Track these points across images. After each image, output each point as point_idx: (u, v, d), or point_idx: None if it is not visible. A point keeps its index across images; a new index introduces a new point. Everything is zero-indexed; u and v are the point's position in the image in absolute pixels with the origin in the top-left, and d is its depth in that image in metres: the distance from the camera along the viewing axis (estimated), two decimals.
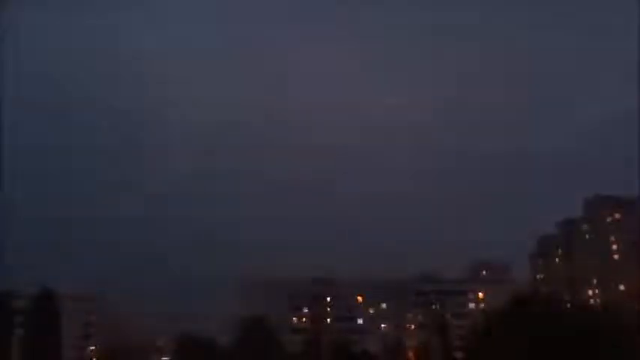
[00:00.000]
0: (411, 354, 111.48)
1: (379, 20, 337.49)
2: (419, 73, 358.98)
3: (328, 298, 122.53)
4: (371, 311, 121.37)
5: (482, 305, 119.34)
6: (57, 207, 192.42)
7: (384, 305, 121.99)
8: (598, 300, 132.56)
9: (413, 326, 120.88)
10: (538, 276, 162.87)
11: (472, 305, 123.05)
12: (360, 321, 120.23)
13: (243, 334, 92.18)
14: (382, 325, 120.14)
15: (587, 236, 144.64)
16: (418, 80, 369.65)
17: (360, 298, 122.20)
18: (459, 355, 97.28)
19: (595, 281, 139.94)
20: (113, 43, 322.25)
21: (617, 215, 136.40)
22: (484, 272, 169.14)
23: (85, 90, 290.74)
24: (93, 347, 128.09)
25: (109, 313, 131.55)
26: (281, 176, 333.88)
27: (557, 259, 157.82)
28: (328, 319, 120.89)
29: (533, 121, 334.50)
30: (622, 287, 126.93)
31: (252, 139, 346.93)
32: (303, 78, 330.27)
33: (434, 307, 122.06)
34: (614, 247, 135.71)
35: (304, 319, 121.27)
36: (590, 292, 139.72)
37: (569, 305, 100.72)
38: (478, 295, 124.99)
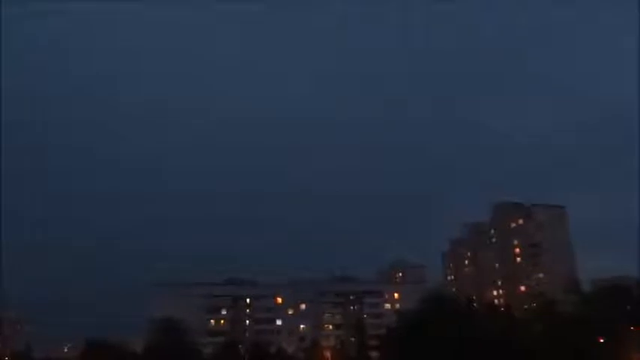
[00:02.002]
0: (327, 354, 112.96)
1: None
2: None
3: (247, 300, 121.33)
4: (290, 312, 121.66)
5: (397, 305, 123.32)
6: None
7: (303, 306, 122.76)
8: (502, 300, 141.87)
9: (330, 326, 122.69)
10: (449, 277, 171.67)
11: (388, 305, 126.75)
12: (278, 322, 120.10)
13: (156, 337, 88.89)
14: (301, 326, 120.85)
15: (493, 240, 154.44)
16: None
17: (279, 299, 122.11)
18: (374, 354, 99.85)
19: (499, 282, 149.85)
20: None
21: (520, 221, 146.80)
22: (399, 274, 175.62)
23: None
24: None
25: (6, 322, 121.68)
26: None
27: (466, 261, 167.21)
28: (247, 321, 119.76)
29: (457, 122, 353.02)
30: (522, 288, 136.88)
31: None
32: None
33: (351, 307, 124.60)
34: (517, 250, 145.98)
35: (222, 321, 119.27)
36: (495, 293, 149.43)
37: (475, 305, 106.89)
38: (393, 295, 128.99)
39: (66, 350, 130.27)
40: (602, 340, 63.45)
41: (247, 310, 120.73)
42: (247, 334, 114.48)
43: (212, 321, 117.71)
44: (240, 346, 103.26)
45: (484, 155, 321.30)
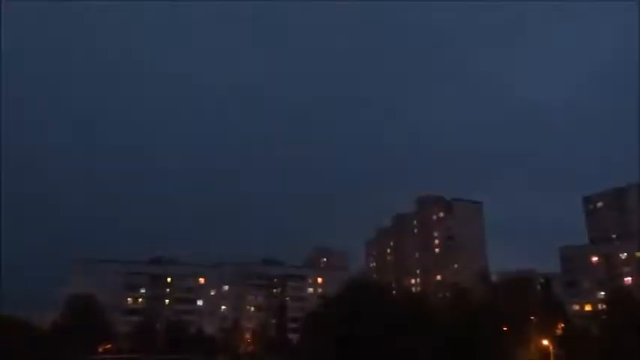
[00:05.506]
0: (247, 335, 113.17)
1: None
2: None
3: (168, 279, 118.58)
4: (212, 293, 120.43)
5: (320, 290, 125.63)
6: None
7: (225, 287, 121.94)
8: (419, 288, 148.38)
9: (252, 308, 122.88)
10: (372, 264, 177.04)
11: (311, 290, 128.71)
12: (199, 302, 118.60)
13: (65, 314, 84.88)
14: (222, 307, 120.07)
15: (415, 231, 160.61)
16: None
17: (201, 280, 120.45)
18: (293, 336, 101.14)
19: (418, 271, 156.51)
20: None
21: (440, 214, 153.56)
22: (324, 259, 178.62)
23: None
24: None
25: None
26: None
27: (389, 250, 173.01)
28: (167, 300, 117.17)
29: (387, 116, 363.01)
30: (438, 277, 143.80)
31: None
32: None
33: (274, 290, 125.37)
34: (436, 241, 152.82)
35: (140, 300, 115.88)
36: (413, 281, 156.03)
37: (395, 292, 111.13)
38: (317, 280, 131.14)
39: None
40: (505, 328, 68.20)
41: (167, 290, 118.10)
42: (166, 314, 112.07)
43: (129, 299, 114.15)
44: (157, 325, 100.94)
45: (421, 155, 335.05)
